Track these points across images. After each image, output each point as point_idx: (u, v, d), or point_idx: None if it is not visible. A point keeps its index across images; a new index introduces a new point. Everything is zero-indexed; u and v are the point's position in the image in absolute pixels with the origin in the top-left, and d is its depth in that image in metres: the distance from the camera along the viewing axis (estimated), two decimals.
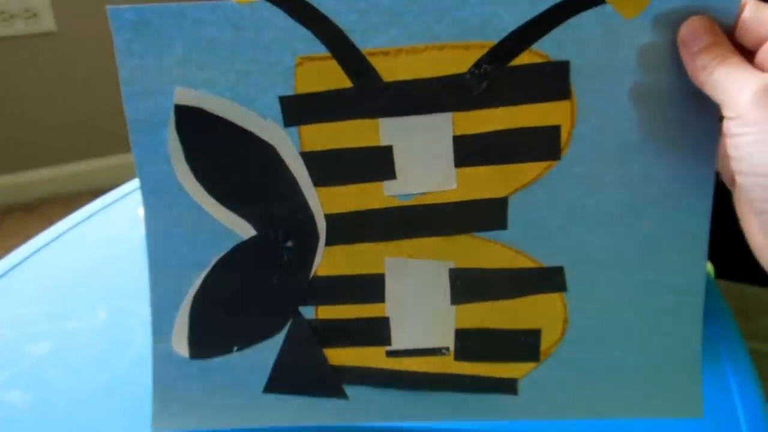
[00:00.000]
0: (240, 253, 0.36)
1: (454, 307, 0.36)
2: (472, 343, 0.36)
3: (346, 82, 0.33)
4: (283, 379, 0.37)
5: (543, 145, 0.33)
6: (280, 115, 0.34)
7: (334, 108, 0.34)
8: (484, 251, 0.35)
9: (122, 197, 0.61)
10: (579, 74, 0.32)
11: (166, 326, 0.37)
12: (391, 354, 0.37)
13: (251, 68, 0.33)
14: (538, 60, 0.33)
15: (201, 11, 0.32)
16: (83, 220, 0.58)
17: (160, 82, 0.33)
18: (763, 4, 0.30)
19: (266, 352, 0.37)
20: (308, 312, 0.36)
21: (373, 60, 0.33)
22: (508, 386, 0.37)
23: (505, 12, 0.32)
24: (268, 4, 0.32)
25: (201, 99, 0.34)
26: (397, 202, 0.35)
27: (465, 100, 0.33)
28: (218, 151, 0.35)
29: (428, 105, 0.33)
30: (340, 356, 0.37)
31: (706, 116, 0.32)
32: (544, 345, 0.36)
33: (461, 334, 0.36)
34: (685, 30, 0.30)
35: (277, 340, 0.37)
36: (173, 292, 0.37)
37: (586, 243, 0.35)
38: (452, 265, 0.36)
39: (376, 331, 0.36)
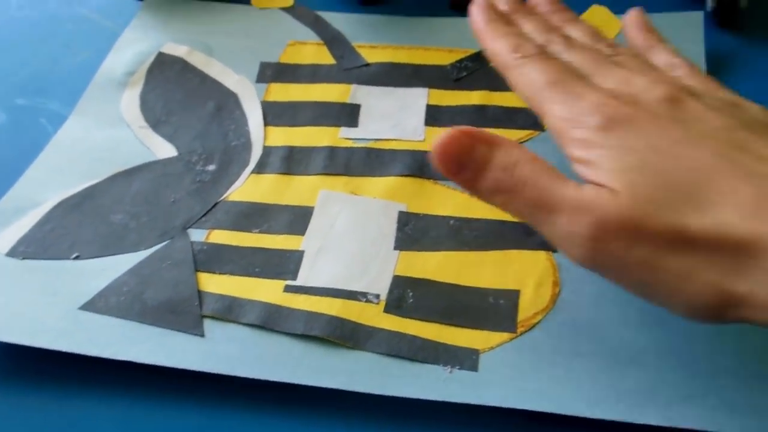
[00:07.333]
0: (146, 169, 0.29)
1: (397, 253, 0.25)
2: (416, 295, 0.24)
3: (329, 60, 0.34)
4: (117, 296, 0.24)
5: (525, 120, 0.30)
6: (254, 77, 0.33)
7: (311, 75, 0.33)
8: (448, 199, 0.27)
9: None
10: None
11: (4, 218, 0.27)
12: (290, 289, 0.24)
13: (248, 44, 0.35)
14: None
15: (224, 8, 0.37)
16: None
17: (159, 39, 0.35)
18: None
19: (111, 269, 0.25)
20: (199, 235, 0.26)
21: (360, 50, 0.34)
22: (463, 359, 0.22)
23: None
24: (280, 11, 0.37)
25: (187, 53, 0.35)
26: (351, 143, 0.30)
27: (443, 83, 0.32)
28: (179, 92, 0.33)
29: (405, 82, 0.33)
30: (218, 284, 0.24)
31: None
32: (523, 313, 0.23)
33: (402, 282, 0.24)
34: None
35: (134, 258, 0.25)
36: (40, 191, 0.28)
37: None
38: (404, 208, 0.27)
39: (281, 264, 0.25)
